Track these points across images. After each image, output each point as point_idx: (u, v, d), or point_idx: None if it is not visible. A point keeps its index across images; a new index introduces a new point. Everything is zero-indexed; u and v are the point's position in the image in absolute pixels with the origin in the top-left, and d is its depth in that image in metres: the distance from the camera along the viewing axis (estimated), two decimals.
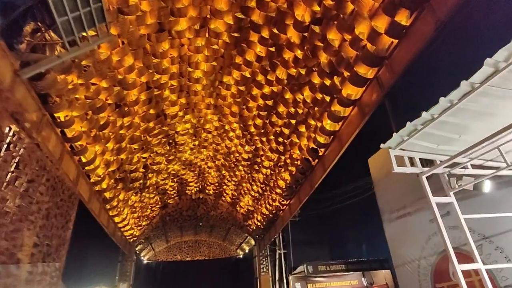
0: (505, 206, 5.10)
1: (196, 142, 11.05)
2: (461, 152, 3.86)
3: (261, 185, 11.83)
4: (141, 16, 5.81)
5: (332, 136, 6.98)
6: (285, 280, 14.72)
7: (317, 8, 5.33)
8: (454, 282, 6.17)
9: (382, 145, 4.14)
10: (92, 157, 7.03)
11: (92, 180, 7.77)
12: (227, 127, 10.02)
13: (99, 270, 14.65)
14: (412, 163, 4.39)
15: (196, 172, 13.35)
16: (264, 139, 9.41)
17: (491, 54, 2.85)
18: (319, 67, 6.13)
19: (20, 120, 4.47)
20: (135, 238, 14.66)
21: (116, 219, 10.69)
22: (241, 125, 9.48)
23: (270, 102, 8.02)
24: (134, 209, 11.97)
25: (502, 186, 5.08)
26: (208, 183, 14.52)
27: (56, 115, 5.51)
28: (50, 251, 5.58)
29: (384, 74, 4.96)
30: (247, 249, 19.72)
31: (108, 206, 9.39)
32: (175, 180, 13.23)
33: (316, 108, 6.95)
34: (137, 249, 17.07)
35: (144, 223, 14.27)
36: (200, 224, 18.50)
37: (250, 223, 15.25)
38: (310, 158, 8.19)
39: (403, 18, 4.31)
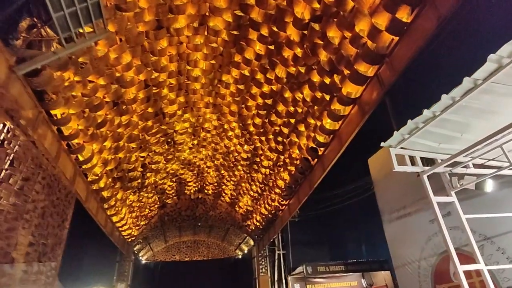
0: (507, 206, 5.05)
1: (195, 142, 10.98)
2: (462, 150, 3.80)
3: (260, 185, 11.76)
4: (139, 13, 5.74)
5: (331, 135, 6.91)
6: (284, 281, 14.66)
7: (316, 5, 5.27)
8: (455, 283, 6.11)
9: (382, 144, 4.07)
10: (89, 155, 6.96)
11: (89, 179, 7.70)
12: (226, 126, 9.95)
13: (96, 270, 14.57)
14: (413, 162, 4.33)
15: (195, 171, 13.28)
16: (263, 138, 9.35)
17: (494, 52, 2.79)
18: (318, 65, 6.07)
19: (15, 117, 4.40)
20: (133, 238, 14.58)
21: (114, 219, 10.62)
22: (240, 124, 9.42)
23: (269, 101, 7.96)
24: (132, 209, 11.90)
25: (504, 186, 5.02)
26: (207, 183, 14.45)
27: (52, 112, 5.44)
28: (45, 251, 5.51)
29: (384, 72, 4.90)
30: (246, 249, 19.65)
31: (105, 206, 9.31)
32: (173, 179, 13.15)
33: (315, 107, 6.89)
34: (135, 249, 16.99)
35: (142, 223, 14.20)
36: (199, 224, 18.42)
37: (249, 223, 15.17)
38: (309, 158, 8.13)
39: (404, 14, 4.25)
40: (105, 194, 8.85)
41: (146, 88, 7.37)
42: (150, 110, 8.09)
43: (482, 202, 5.36)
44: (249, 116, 8.93)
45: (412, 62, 4.22)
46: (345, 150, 6.69)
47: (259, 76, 7.53)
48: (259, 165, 10.70)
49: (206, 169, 13.16)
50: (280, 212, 12.01)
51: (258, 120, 8.82)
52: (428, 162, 4.49)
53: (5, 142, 4.21)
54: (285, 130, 8.31)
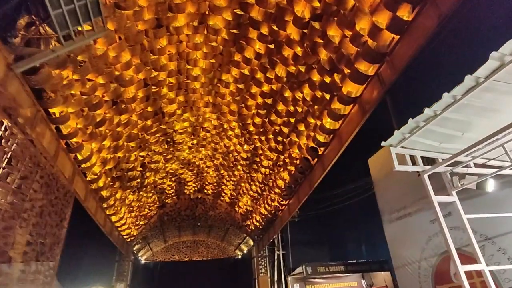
0: (508, 206, 5.02)
1: (195, 141, 10.95)
2: (463, 150, 3.77)
3: (260, 185, 11.73)
4: (138, 11, 5.70)
5: (332, 135, 6.88)
6: (283, 281, 14.63)
7: (317, 3, 5.24)
8: (455, 283, 6.07)
9: (383, 143, 4.04)
10: (88, 154, 6.92)
11: (88, 178, 7.66)
12: (226, 125, 9.92)
13: (95, 269, 14.53)
14: (414, 162, 4.29)
15: (194, 171, 13.25)
16: (263, 138, 9.32)
17: (495, 50, 2.76)
18: (319, 64, 6.04)
19: (13, 115, 4.37)
20: (132, 238, 14.54)
21: (113, 218, 10.59)
22: (240, 123, 9.39)
23: (269, 101, 7.93)
24: (131, 208, 11.87)
25: (506, 185, 4.99)
26: (207, 183, 14.42)
27: (51, 110, 5.41)
28: (44, 250, 5.48)
29: (385, 71, 4.87)
30: (245, 249, 19.61)
31: (104, 205, 9.28)
32: (173, 179, 13.12)
33: (315, 106, 6.86)
34: (134, 249, 16.95)
35: (141, 223, 14.16)
36: (199, 224, 18.39)
37: (249, 223, 15.14)
38: (309, 157, 8.10)
39: (405, 13, 4.22)
40: (104, 193, 8.82)
41: (145, 87, 7.34)
42: (149, 109, 8.06)
43: (483, 202, 5.33)
44: (249, 116, 8.90)
45: (413, 60, 4.19)
46: (345, 150, 6.66)
47: (259, 75, 7.50)
48: (259, 165, 10.67)
49: (206, 168, 13.13)
50: (280, 212, 11.98)
51: (258, 120, 8.79)
52: (428, 161, 4.46)
53: (3, 140, 4.18)
54: (285, 130, 8.28)
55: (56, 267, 6.11)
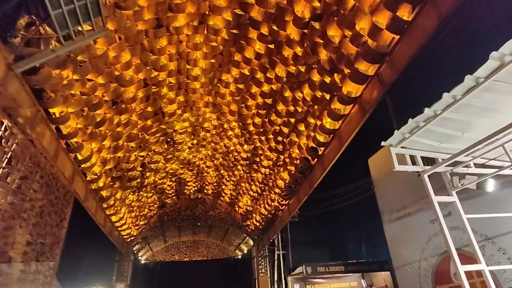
0: (508, 206, 5.01)
1: (195, 141, 10.95)
2: (463, 150, 3.77)
3: (260, 185, 11.73)
4: (138, 11, 5.70)
5: (332, 135, 6.88)
6: (283, 281, 14.62)
7: (317, 3, 5.24)
8: (455, 283, 6.07)
9: (383, 143, 4.04)
10: (88, 154, 6.92)
11: (88, 178, 7.66)
12: (226, 125, 9.92)
13: (95, 269, 14.53)
14: (414, 162, 4.29)
15: (194, 171, 13.25)
16: (263, 138, 9.32)
17: (495, 50, 2.76)
18: (319, 64, 6.04)
19: (13, 115, 4.37)
20: (132, 238, 14.54)
21: (113, 218, 10.58)
22: (240, 123, 9.39)
23: (269, 101, 7.93)
24: (131, 208, 11.87)
25: (506, 185, 4.99)
26: (207, 183, 14.42)
27: (51, 110, 5.41)
28: (44, 250, 5.47)
29: (385, 71, 4.87)
30: (245, 249, 19.61)
31: (104, 205, 9.28)
32: (173, 179, 13.12)
33: (315, 106, 6.86)
34: (134, 249, 16.95)
35: (141, 223, 14.16)
36: (199, 224, 18.39)
37: (249, 223, 15.14)
38: (309, 157, 8.10)
39: (405, 13, 4.22)
40: (104, 193, 8.82)
41: (145, 87, 7.34)
42: (149, 109, 8.06)
43: (483, 202, 5.32)
44: (249, 116, 8.90)
45: (413, 60, 4.19)
46: (345, 150, 6.66)
47: (259, 75, 7.50)
48: (259, 165, 10.67)
49: (206, 168, 13.13)
50: (280, 212, 11.98)
51: (258, 120, 8.79)
52: (428, 162, 4.46)
53: (3, 140, 4.18)
54: (285, 130, 8.28)
55: (56, 267, 6.11)
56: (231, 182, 13.32)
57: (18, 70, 4.23)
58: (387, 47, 4.66)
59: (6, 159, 4.23)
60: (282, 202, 11.18)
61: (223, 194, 14.82)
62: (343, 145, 6.48)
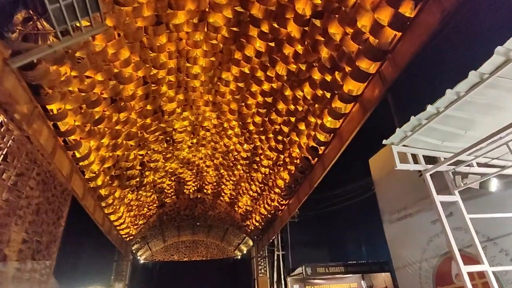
0: (511, 206, 4.94)
1: (194, 140, 10.89)
2: (466, 148, 3.70)
3: (260, 185, 11.66)
4: (137, 7, 5.65)
5: (332, 134, 6.82)
6: (283, 282, 14.55)
7: (318, 1, 5.19)
8: (457, 285, 5.99)
9: (384, 141, 3.97)
10: (86, 152, 6.86)
11: (86, 177, 7.60)
12: (225, 125, 9.85)
13: (94, 269, 14.46)
14: (415, 161, 4.22)
15: (194, 171, 13.19)
16: (263, 137, 9.25)
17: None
18: (319, 62, 5.98)
19: (9, 110, 4.32)
20: (131, 237, 14.47)
21: (112, 217, 10.51)
22: (240, 123, 9.32)
23: (269, 99, 7.87)
24: (130, 208, 11.80)
25: (509, 185, 4.91)
26: (206, 182, 14.35)
27: (48, 107, 5.35)
28: (40, 248, 5.41)
29: (386, 69, 4.80)
30: (245, 250, 19.53)
31: (103, 204, 9.21)
32: (172, 178, 13.06)
33: (316, 105, 6.79)
34: (133, 248, 16.87)
35: (140, 222, 14.10)
36: (198, 224, 18.31)
37: (249, 223, 15.07)
38: (309, 157, 8.03)
39: (407, 9, 4.16)
40: (102, 192, 8.76)
41: (144, 85, 7.28)
42: (148, 107, 8.00)
43: (486, 202, 5.25)
44: (249, 115, 8.84)
45: (415, 57, 4.13)
46: (345, 149, 6.60)
47: (259, 73, 7.44)
48: (259, 164, 10.61)
49: (206, 168, 13.06)
50: (280, 212, 11.90)
51: (258, 119, 8.73)
52: (430, 161, 4.39)
53: None
54: (285, 129, 8.22)
55: (52, 265, 6.04)
56: (230, 181, 13.25)
57: (15, 65, 4.17)
58: (389, 44, 4.60)
59: (2, 156, 4.17)
60: (282, 202, 11.11)
61: (223, 194, 14.75)
62: (343, 144, 6.41)
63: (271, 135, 8.92)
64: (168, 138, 10.03)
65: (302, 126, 7.60)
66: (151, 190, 12.54)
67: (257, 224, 14.21)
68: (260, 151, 9.96)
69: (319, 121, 6.92)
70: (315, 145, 7.42)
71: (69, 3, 4.12)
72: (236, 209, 15.10)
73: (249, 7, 6.06)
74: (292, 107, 7.52)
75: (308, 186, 8.82)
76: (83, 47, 5.26)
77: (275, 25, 6.06)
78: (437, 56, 4.82)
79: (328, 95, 6.26)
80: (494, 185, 4.17)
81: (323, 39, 5.52)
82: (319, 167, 7.86)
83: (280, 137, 8.64)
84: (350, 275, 13.47)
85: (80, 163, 7.03)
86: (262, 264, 16.14)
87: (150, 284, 18.35)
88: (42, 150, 5.22)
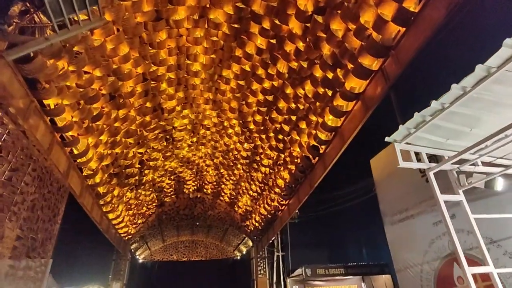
0: None
1: (194, 139, 10.80)
2: (470, 147, 3.59)
3: (260, 185, 11.56)
4: (137, 2, 5.57)
5: (333, 132, 6.72)
6: (282, 283, 14.43)
7: None
8: (459, 287, 5.88)
9: (387, 138, 3.86)
10: (84, 149, 6.79)
11: (84, 174, 7.52)
12: (226, 123, 9.77)
13: (91, 268, 14.38)
14: (418, 160, 4.12)
15: (194, 170, 13.10)
16: (263, 136, 9.16)
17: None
18: (321, 59, 5.88)
19: (4, 104, 4.23)
20: (130, 236, 14.38)
21: (110, 216, 10.42)
22: (241, 121, 9.23)
23: (270, 98, 7.78)
24: (129, 206, 11.71)
25: None
26: (206, 182, 14.26)
27: (45, 102, 5.27)
28: (35, 245, 5.31)
29: (389, 66, 4.70)
30: (244, 250, 19.42)
31: (101, 202, 9.12)
32: (172, 177, 12.97)
33: (317, 103, 6.70)
34: (132, 247, 16.77)
35: (139, 221, 14.00)
36: (197, 224, 18.22)
37: (248, 223, 14.96)
38: (310, 156, 7.93)
39: (411, 4, 4.07)
40: (101, 189, 8.67)
41: (144, 82, 7.21)
42: (148, 104, 7.92)
43: (490, 203, 5.13)
44: (250, 113, 8.75)
45: (419, 53, 4.03)
46: (347, 149, 6.50)
47: (260, 71, 7.35)
48: (259, 163, 10.51)
49: (205, 167, 12.97)
50: (280, 212, 11.80)
51: (258, 117, 8.63)
52: (433, 160, 4.29)
53: None
54: (286, 128, 8.12)
55: (48, 263, 5.94)
56: (230, 181, 13.15)
57: (10, 58, 4.09)
58: (392, 40, 4.50)
59: None
60: (282, 202, 11.01)
61: (223, 194, 14.65)
62: (345, 143, 6.31)
63: (271, 134, 8.82)
64: (167, 137, 9.95)
65: (303, 125, 7.51)
66: (150, 189, 12.45)
67: (257, 224, 14.10)
68: (261, 150, 9.87)
69: (320, 120, 6.82)
70: (316, 144, 7.33)
71: None
72: (236, 209, 15.00)
73: (250, 3, 5.98)
74: (293, 105, 7.42)
75: (308, 186, 8.71)
76: (81, 41, 5.18)
77: (277, 21, 5.99)
78: (441, 51, 4.71)
79: (329, 93, 6.17)
80: (500, 184, 4.05)
81: (325, 35, 5.43)
82: (320, 166, 7.75)
83: (280, 136, 8.54)
84: (350, 277, 13.35)
85: (78, 160, 6.95)
86: (262, 265, 16.02)
87: (149, 284, 18.26)
88: (38, 145, 5.14)
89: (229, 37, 6.87)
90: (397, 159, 3.82)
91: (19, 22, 4.42)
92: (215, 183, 14.10)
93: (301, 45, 6.09)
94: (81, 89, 5.86)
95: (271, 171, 10.38)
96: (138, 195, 11.70)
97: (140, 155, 9.74)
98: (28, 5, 4.43)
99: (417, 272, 6.98)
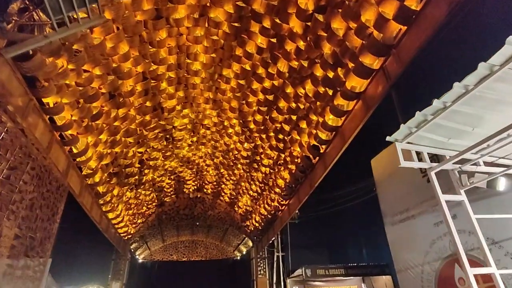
0: None
1: (194, 139, 10.77)
2: (472, 146, 3.55)
3: (260, 184, 11.52)
4: (137, 0, 5.55)
5: (334, 132, 6.68)
6: (282, 283, 14.40)
7: None
8: None
9: (388, 138, 3.82)
10: (83, 148, 6.76)
11: (83, 173, 7.49)
12: (226, 123, 9.74)
13: (91, 267, 14.35)
14: (420, 160, 4.08)
15: (194, 169, 13.07)
16: (263, 136, 9.13)
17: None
18: (322, 58, 5.85)
19: (2, 102, 4.21)
20: (129, 236, 14.35)
21: (110, 215, 10.40)
22: (241, 121, 9.20)
23: (270, 97, 7.75)
24: (129, 206, 11.68)
25: None
26: (206, 182, 14.22)
27: (44, 100, 5.24)
28: (33, 244, 5.29)
29: (391, 65, 4.67)
30: (244, 250, 19.39)
31: (101, 201, 9.09)
32: (172, 177, 12.94)
33: (318, 103, 6.67)
34: (131, 247, 16.74)
35: (139, 221, 13.97)
36: (197, 224, 18.19)
37: (248, 223, 14.92)
38: (310, 156, 7.89)
39: (413, 2, 4.04)
40: (100, 189, 8.64)
41: (144, 81, 7.18)
42: (148, 104, 7.89)
43: (491, 204, 5.09)
44: (250, 113, 8.72)
45: (421, 52, 3.99)
46: (347, 148, 6.46)
47: (261, 70, 7.32)
48: (259, 163, 10.48)
49: (206, 167, 12.94)
50: (280, 212, 11.76)
51: (258, 117, 8.60)
52: (434, 160, 4.25)
53: None
54: (286, 127, 8.09)
55: (46, 262, 5.91)
56: (230, 181, 13.12)
57: (8, 55, 4.07)
58: (393, 39, 4.47)
59: None
60: (282, 202, 10.97)
61: (223, 194, 14.62)
62: (345, 143, 6.27)
63: (272, 134, 8.79)
64: (167, 136, 9.92)
65: (303, 124, 7.48)
66: (150, 189, 12.42)
67: (257, 224, 14.07)
68: (261, 150, 9.84)
69: (320, 119, 6.79)
70: (316, 143, 7.29)
71: None
72: (236, 209, 14.96)
73: (250, 2, 5.96)
74: (293, 104, 7.39)
75: (308, 186, 8.68)
76: (80, 40, 5.15)
77: (277, 20, 5.96)
78: (443, 50, 4.68)
79: (330, 92, 6.13)
80: (502, 184, 4.01)
81: (325, 34, 5.40)
82: (320, 166, 7.72)
83: (281, 136, 8.51)
84: (351, 277, 13.30)
85: (77, 159, 6.92)
86: (262, 265, 15.99)
87: (148, 284, 18.23)
88: (37, 144, 5.11)
89: (229, 36, 6.85)
90: (398, 158, 3.79)
91: (18, 19, 4.40)
92: (215, 183, 14.07)
93: (301, 44, 6.06)
94: (80, 88, 5.83)
95: (271, 171, 10.35)
96: (138, 195, 11.68)
97: (140, 155, 9.72)
98: (27, 2, 4.41)
99: (418, 273, 6.94)
